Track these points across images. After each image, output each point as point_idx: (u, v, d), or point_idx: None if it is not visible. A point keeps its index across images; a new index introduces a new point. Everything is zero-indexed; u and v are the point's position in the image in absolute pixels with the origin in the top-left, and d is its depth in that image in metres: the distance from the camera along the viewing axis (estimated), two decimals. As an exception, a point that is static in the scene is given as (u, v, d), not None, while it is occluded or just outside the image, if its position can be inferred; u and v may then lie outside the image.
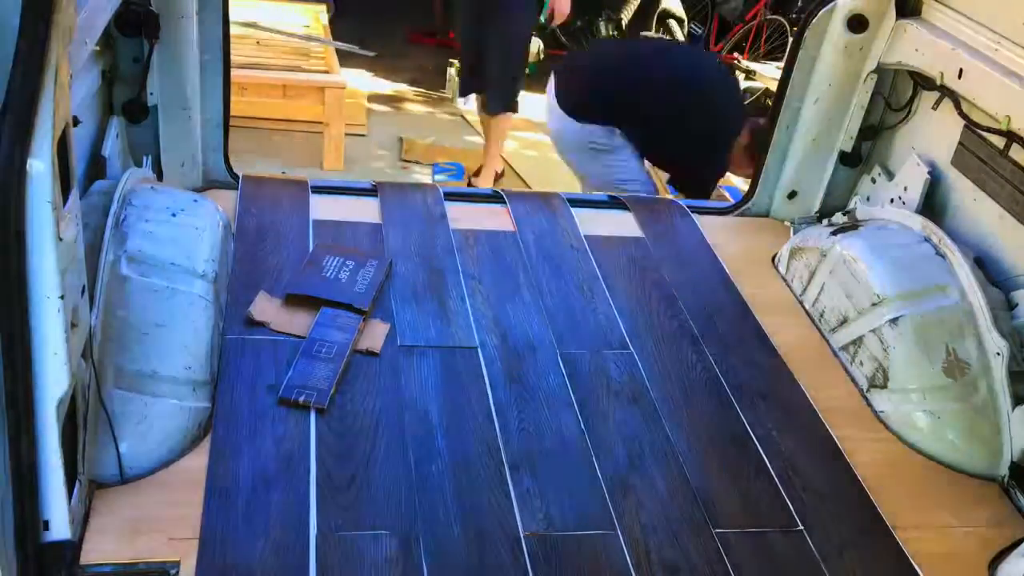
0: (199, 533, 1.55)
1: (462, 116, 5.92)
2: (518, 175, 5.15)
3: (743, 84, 6.56)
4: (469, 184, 4.85)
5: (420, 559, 1.58)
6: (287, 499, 1.65)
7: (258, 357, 1.96)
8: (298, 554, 1.55)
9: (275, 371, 1.93)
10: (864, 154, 2.77)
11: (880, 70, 2.61)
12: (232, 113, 2.61)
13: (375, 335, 2.07)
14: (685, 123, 3.31)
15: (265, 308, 2.07)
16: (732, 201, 3.15)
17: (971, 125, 2.29)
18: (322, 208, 2.54)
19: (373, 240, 2.45)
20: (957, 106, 2.33)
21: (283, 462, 1.73)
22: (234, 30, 2.70)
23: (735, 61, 6.73)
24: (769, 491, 1.85)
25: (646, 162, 3.53)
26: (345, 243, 2.41)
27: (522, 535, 1.65)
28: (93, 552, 1.50)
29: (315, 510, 1.63)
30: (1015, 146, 2.14)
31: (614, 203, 2.88)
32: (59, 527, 1.44)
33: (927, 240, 2.29)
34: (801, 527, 1.77)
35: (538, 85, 7.23)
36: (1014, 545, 1.76)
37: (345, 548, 1.58)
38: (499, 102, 4.79)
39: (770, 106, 2.95)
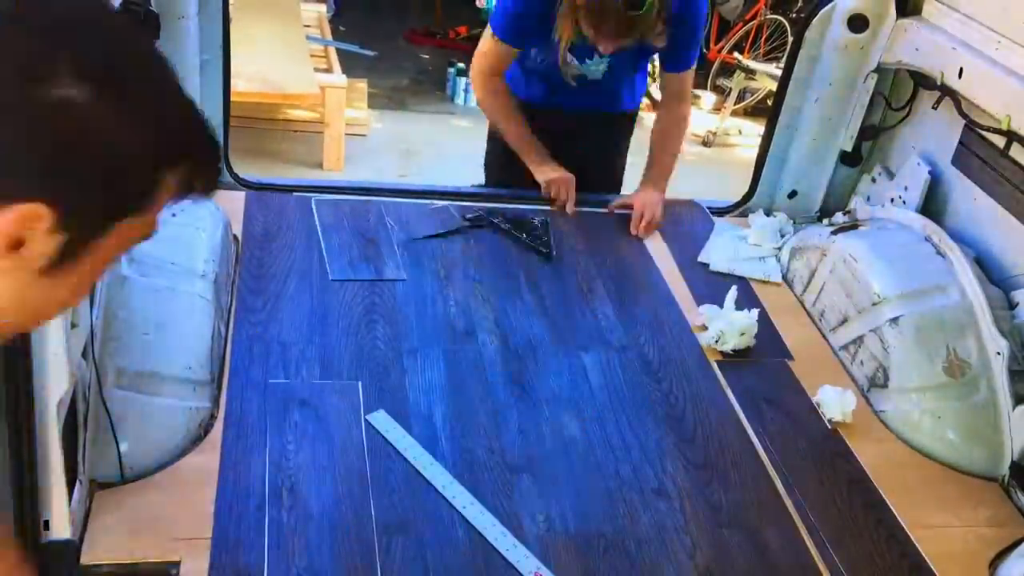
0: (211, 535, 1.55)
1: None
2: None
3: (742, 84, 6.54)
4: None
5: (426, 559, 1.58)
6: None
7: (267, 360, 1.96)
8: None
9: (284, 374, 1.93)
10: (864, 154, 2.77)
11: (880, 70, 2.61)
12: (232, 113, 2.60)
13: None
14: None
15: None
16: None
17: (971, 124, 2.29)
18: (325, 209, 2.54)
19: (376, 241, 2.46)
20: (957, 105, 2.33)
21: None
22: (234, 30, 2.69)
23: (735, 60, 6.72)
24: (769, 491, 1.85)
25: None
26: (347, 245, 2.41)
27: (526, 534, 1.65)
28: (93, 552, 1.50)
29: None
30: (1015, 146, 2.14)
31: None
32: (59, 527, 1.44)
33: (927, 240, 2.29)
34: (801, 527, 1.77)
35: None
36: (1014, 545, 1.75)
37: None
38: None
39: (770, 106, 2.95)
